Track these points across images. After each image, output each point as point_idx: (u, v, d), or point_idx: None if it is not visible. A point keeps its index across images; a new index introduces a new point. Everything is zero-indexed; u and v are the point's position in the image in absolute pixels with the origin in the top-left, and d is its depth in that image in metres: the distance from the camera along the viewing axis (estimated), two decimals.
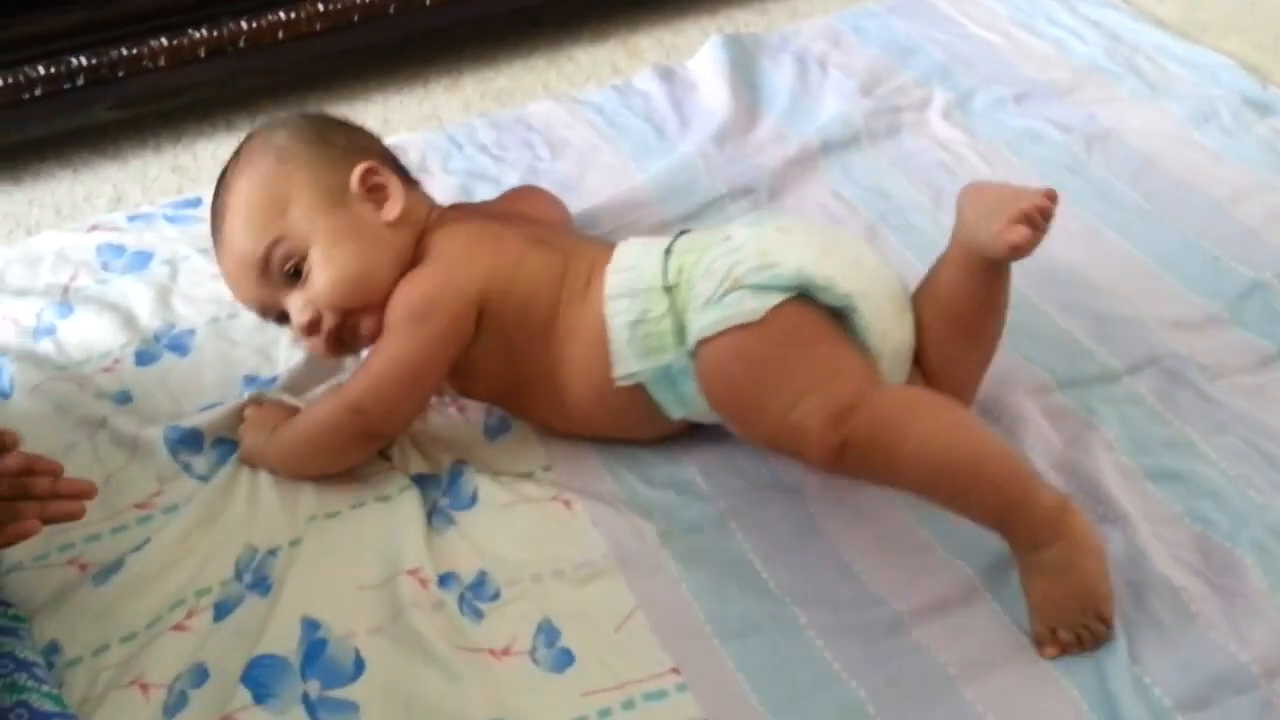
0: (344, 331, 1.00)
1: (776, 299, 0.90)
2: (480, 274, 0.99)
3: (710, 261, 0.94)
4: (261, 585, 0.95)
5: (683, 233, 1.02)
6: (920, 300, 0.99)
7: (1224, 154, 1.37)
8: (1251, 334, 1.13)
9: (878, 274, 0.96)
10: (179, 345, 1.19)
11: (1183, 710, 0.83)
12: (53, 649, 0.91)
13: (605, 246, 1.03)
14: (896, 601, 0.92)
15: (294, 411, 1.05)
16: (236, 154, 1.04)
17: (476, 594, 0.94)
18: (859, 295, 0.92)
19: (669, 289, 0.95)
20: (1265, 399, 1.06)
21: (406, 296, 0.98)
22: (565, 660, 0.89)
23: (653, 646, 0.90)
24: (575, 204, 1.31)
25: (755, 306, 0.90)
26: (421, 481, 1.02)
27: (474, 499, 1.01)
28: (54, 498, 0.87)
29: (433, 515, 1.00)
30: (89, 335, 1.20)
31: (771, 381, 0.89)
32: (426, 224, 1.04)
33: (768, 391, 0.89)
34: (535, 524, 0.99)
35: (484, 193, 1.37)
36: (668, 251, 0.98)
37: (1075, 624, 0.86)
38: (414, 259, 1.01)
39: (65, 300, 1.24)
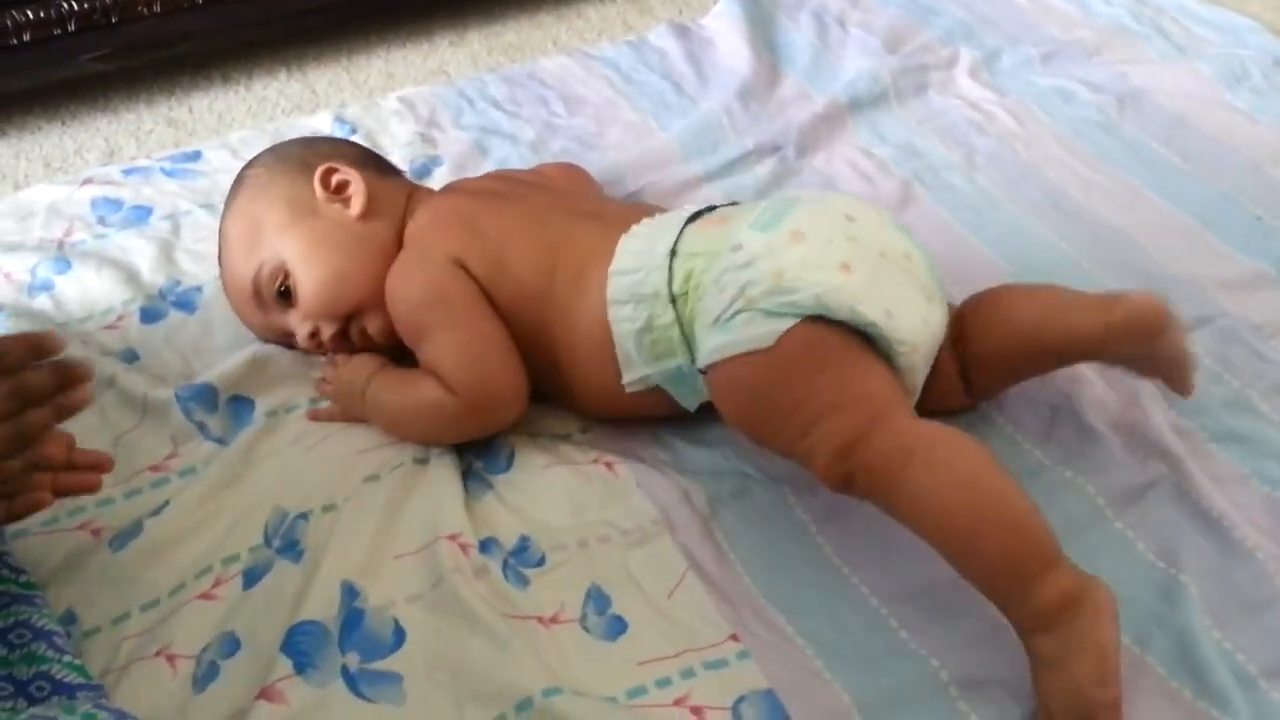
0: (351, 335, 1.00)
1: (789, 324, 0.84)
2: (451, 248, 0.97)
3: (720, 274, 0.87)
4: (292, 550, 0.89)
5: (691, 219, 0.93)
6: (993, 319, 0.93)
7: (1257, 115, 1.34)
8: None
9: (903, 277, 0.87)
10: (186, 303, 1.13)
11: (1267, 677, 0.80)
12: (69, 618, 0.85)
13: (606, 231, 0.95)
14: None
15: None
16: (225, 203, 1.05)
17: (520, 560, 0.89)
18: (882, 319, 0.84)
19: (675, 298, 0.89)
20: None
21: (407, 295, 0.96)
22: (618, 628, 0.85)
23: (709, 613, 0.85)
24: (598, 160, 1.26)
25: (767, 331, 0.84)
26: (457, 444, 0.97)
27: (510, 462, 0.96)
28: (68, 468, 0.80)
29: (468, 479, 0.95)
30: (89, 291, 1.14)
31: (779, 410, 0.85)
32: (407, 210, 1.02)
33: (777, 419, 0.86)
34: (577, 487, 0.94)
35: (500, 149, 1.31)
36: (673, 252, 0.90)
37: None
38: (397, 248, 1.00)
39: (61, 255, 1.18)
